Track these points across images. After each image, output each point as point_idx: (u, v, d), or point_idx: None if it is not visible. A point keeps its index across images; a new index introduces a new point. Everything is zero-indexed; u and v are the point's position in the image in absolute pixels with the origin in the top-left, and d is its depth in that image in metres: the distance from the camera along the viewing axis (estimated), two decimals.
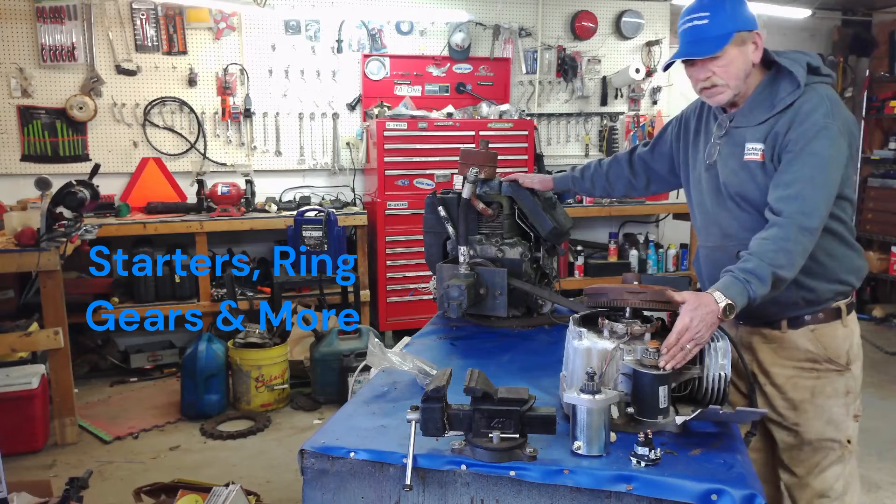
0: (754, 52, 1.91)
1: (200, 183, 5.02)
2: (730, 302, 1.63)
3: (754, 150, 1.91)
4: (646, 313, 1.70)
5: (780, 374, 1.99)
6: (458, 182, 2.51)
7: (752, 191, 1.92)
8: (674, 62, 1.98)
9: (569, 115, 6.17)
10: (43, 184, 3.59)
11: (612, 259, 6.02)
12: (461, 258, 2.29)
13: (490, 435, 1.38)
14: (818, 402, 1.97)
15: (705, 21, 1.87)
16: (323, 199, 5.52)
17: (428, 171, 5.15)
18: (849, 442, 1.98)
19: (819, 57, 1.96)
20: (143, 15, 5.11)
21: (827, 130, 1.81)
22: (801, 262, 1.77)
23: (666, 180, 2.35)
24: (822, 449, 1.98)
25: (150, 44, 5.15)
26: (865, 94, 6.79)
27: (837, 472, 1.98)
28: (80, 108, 5.00)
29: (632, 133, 6.31)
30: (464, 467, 1.39)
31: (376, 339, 1.95)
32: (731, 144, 1.98)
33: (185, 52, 5.22)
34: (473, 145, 4.17)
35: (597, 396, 1.39)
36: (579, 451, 1.40)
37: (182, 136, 5.30)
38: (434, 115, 5.30)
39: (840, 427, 1.97)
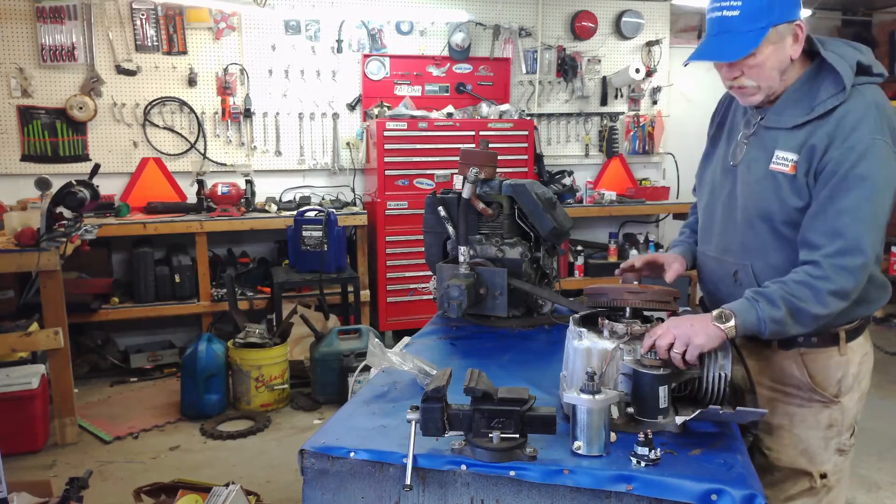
0: (793, 46, 1.66)
1: (200, 183, 5.02)
2: (727, 311, 1.58)
3: (784, 161, 1.68)
4: (646, 313, 1.70)
5: (761, 395, 1.79)
6: (458, 182, 2.51)
7: (772, 204, 1.71)
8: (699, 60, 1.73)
9: (569, 115, 6.18)
10: (43, 184, 3.59)
11: (612, 259, 6.02)
12: (461, 258, 2.29)
13: (490, 435, 1.38)
14: (796, 431, 1.82)
15: (735, 12, 1.61)
16: (323, 199, 5.52)
17: (428, 171, 5.14)
18: (823, 476, 1.82)
19: (871, 53, 1.72)
20: (143, 15, 5.11)
21: (874, 149, 1.59)
22: (835, 304, 1.61)
23: None
24: (791, 478, 1.83)
25: (150, 44, 5.15)
26: None
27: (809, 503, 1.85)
28: (80, 108, 5.00)
29: (632, 133, 6.31)
30: (464, 467, 1.39)
31: (376, 339, 1.95)
32: (759, 147, 1.76)
33: (185, 52, 5.22)
34: (473, 145, 4.17)
35: (597, 396, 1.39)
36: (579, 451, 1.39)
37: (182, 136, 5.30)
38: (434, 115, 5.30)
39: (815, 460, 1.82)
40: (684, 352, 1.53)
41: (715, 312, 1.58)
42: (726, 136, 1.91)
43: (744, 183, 1.79)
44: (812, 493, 1.83)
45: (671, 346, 1.53)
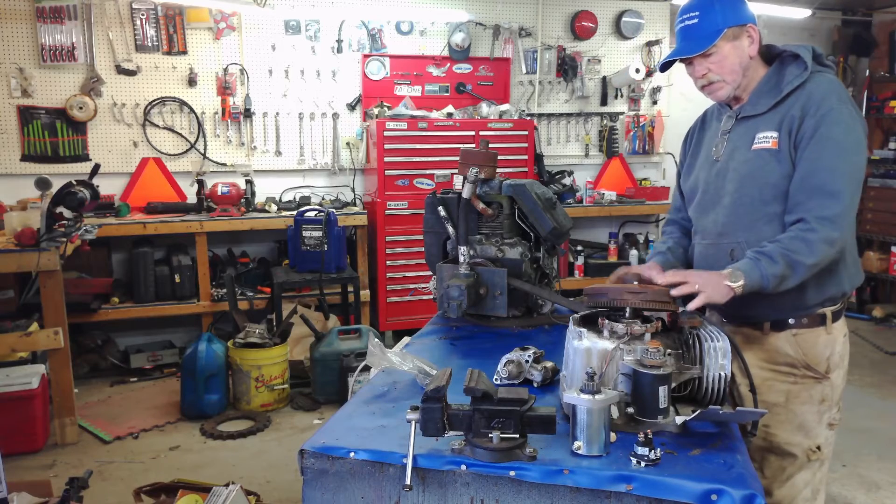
0: (750, 46, 1.95)
1: (200, 183, 5.02)
2: (737, 271, 1.75)
3: (766, 139, 1.92)
4: (646, 313, 1.70)
5: (756, 375, 1.93)
6: (458, 182, 2.51)
7: (759, 180, 1.92)
8: (671, 63, 2.04)
9: (569, 115, 6.17)
10: (43, 184, 3.59)
11: (612, 259, 6.02)
12: (461, 258, 2.29)
13: (490, 435, 1.38)
14: (791, 407, 1.98)
15: (695, 20, 1.94)
16: (323, 199, 5.52)
17: (428, 171, 5.15)
18: (818, 449, 1.98)
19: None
20: (143, 15, 5.11)
21: (842, 115, 1.84)
22: (825, 250, 1.80)
23: None
24: (788, 455, 1.99)
25: (150, 44, 5.15)
26: (865, 94, 6.79)
27: (806, 478, 1.99)
28: (80, 108, 5.00)
29: (632, 133, 6.31)
30: (464, 467, 1.39)
31: (376, 339, 1.94)
32: (741, 135, 1.99)
33: (185, 52, 5.22)
34: (473, 145, 4.17)
35: (597, 396, 1.39)
36: (579, 451, 1.39)
37: (182, 136, 5.30)
38: (434, 115, 5.30)
39: (809, 434, 1.98)
40: (688, 295, 1.72)
41: (727, 271, 1.77)
42: (706, 143, 2.14)
43: (731, 169, 2.00)
44: (808, 467, 2.00)
45: (676, 285, 1.73)
